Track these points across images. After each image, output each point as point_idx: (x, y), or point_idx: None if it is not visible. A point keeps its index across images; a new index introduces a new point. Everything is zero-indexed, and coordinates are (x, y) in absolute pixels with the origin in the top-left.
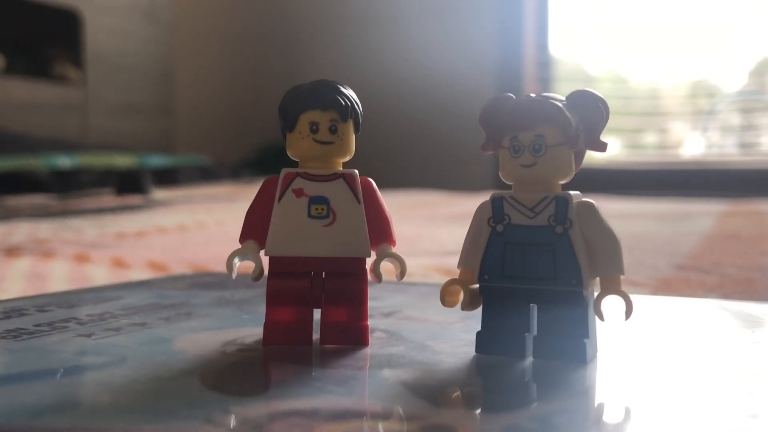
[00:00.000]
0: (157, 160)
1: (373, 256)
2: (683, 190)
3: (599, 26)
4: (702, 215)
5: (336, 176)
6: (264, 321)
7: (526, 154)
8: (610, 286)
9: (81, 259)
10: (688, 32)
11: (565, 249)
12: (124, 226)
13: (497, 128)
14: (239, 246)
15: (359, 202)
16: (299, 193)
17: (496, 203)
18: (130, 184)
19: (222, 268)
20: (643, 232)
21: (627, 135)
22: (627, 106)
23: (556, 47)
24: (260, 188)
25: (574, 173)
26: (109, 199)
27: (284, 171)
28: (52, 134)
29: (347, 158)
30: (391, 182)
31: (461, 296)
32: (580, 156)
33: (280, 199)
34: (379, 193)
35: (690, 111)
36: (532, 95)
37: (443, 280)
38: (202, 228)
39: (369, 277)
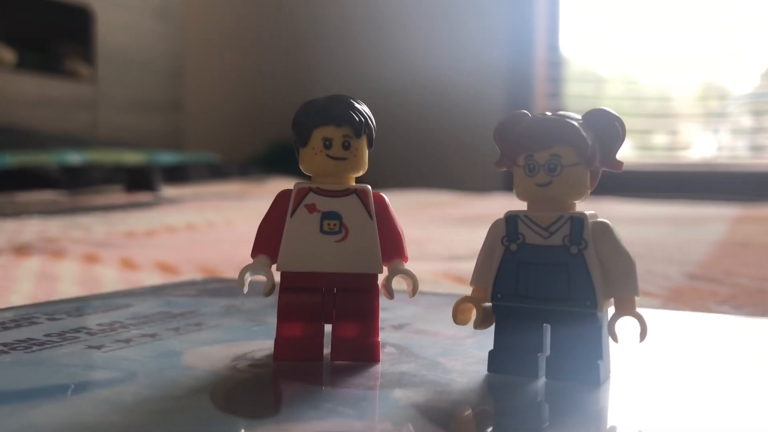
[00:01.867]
0: (166, 158)
1: (385, 272)
2: (693, 192)
3: (610, 27)
4: (713, 220)
5: (349, 192)
6: (275, 335)
7: (541, 173)
8: (625, 307)
9: (90, 259)
10: (699, 34)
11: (579, 270)
12: (134, 224)
13: (512, 146)
14: (249, 251)
15: (372, 218)
16: (312, 208)
17: (510, 222)
18: (140, 181)
19: (231, 271)
20: (654, 239)
21: (637, 136)
22: (637, 107)
23: (567, 48)
24: (273, 202)
25: (589, 192)
26: (118, 195)
27: (297, 186)
28: (62, 130)
29: (360, 174)
30: (400, 182)
31: (473, 314)
32: (595, 175)
33: (292, 214)
34: (391, 208)
35: (701, 113)
36: (548, 113)
37: (453, 287)
38: (211, 227)
39: (381, 293)
